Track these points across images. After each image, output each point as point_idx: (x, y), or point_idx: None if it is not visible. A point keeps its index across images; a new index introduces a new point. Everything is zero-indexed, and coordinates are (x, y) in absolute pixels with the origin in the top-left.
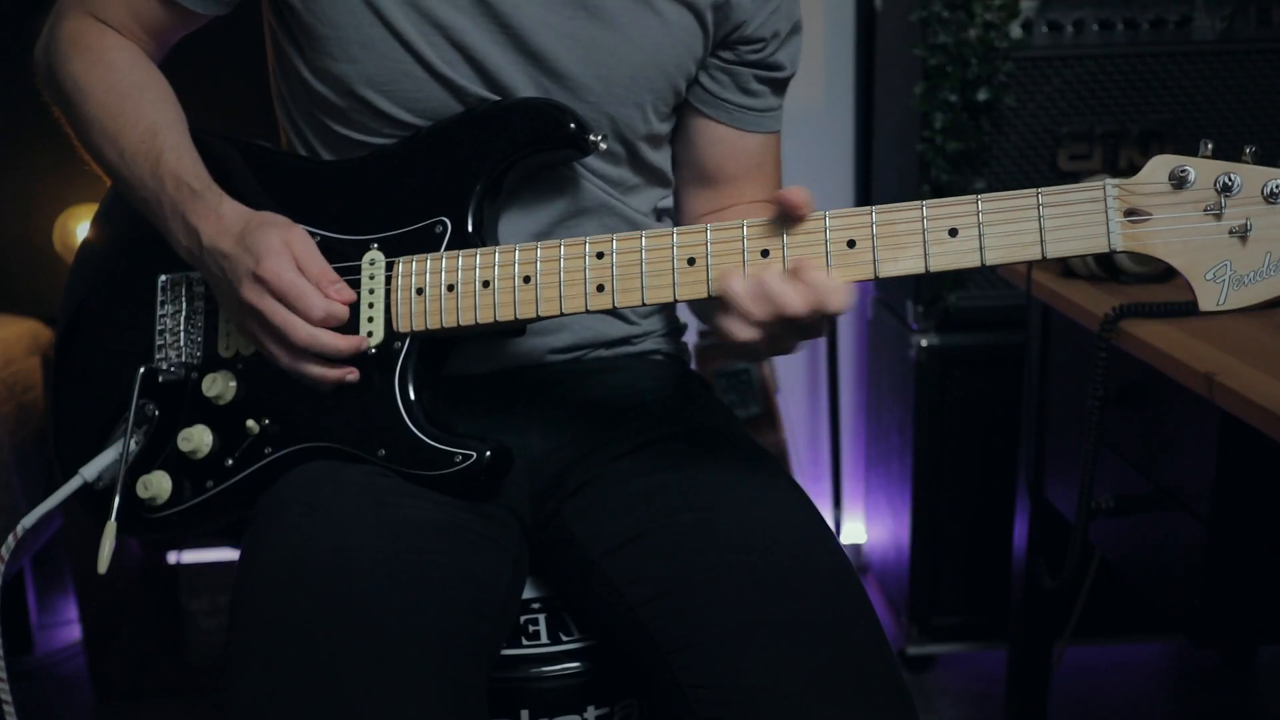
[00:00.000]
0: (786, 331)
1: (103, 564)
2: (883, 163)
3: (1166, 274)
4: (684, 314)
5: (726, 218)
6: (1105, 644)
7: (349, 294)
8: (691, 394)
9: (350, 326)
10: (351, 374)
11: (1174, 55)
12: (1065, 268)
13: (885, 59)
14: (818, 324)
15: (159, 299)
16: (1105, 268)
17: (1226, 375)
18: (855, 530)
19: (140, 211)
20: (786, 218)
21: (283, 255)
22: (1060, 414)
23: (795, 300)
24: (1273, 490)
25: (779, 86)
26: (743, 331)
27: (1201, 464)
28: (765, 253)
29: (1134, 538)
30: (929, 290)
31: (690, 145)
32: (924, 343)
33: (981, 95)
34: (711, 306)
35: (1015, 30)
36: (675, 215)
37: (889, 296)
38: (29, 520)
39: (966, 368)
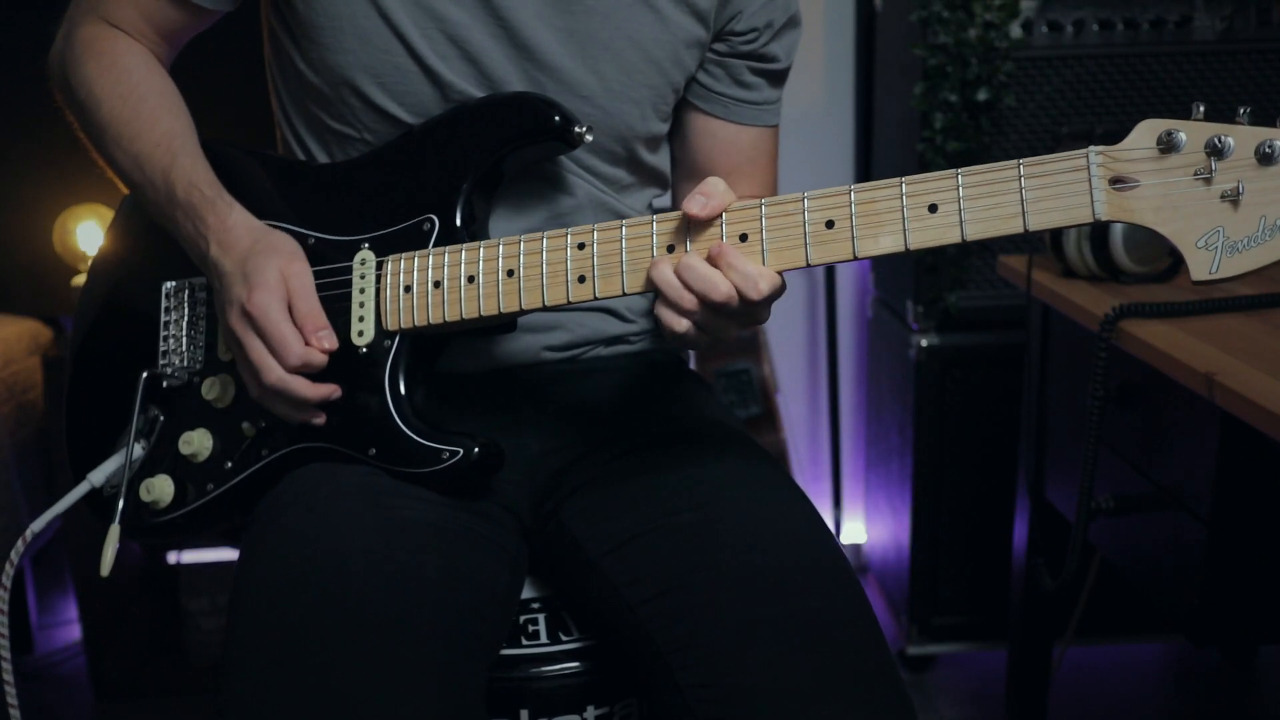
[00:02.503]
0: (719, 318)
1: (105, 568)
2: (883, 163)
3: (1166, 274)
4: None
5: None
6: (1105, 644)
7: (331, 342)
8: (690, 393)
9: (341, 326)
10: (318, 417)
11: (1174, 55)
12: (1065, 268)
13: (885, 59)
14: (750, 310)
15: (163, 305)
16: (1105, 267)
17: (1226, 375)
18: (855, 530)
19: (153, 217)
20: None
21: (276, 291)
22: (1060, 414)
23: (720, 286)
24: (1273, 490)
25: (775, 79)
26: (675, 321)
27: (1201, 464)
28: (744, 237)
29: (1134, 538)
30: (929, 290)
31: (685, 140)
32: (924, 343)
33: (981, 95)
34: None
35: (1015, 30)
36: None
37: (889, 296)
38: (37, 525)
39: (966, 368)
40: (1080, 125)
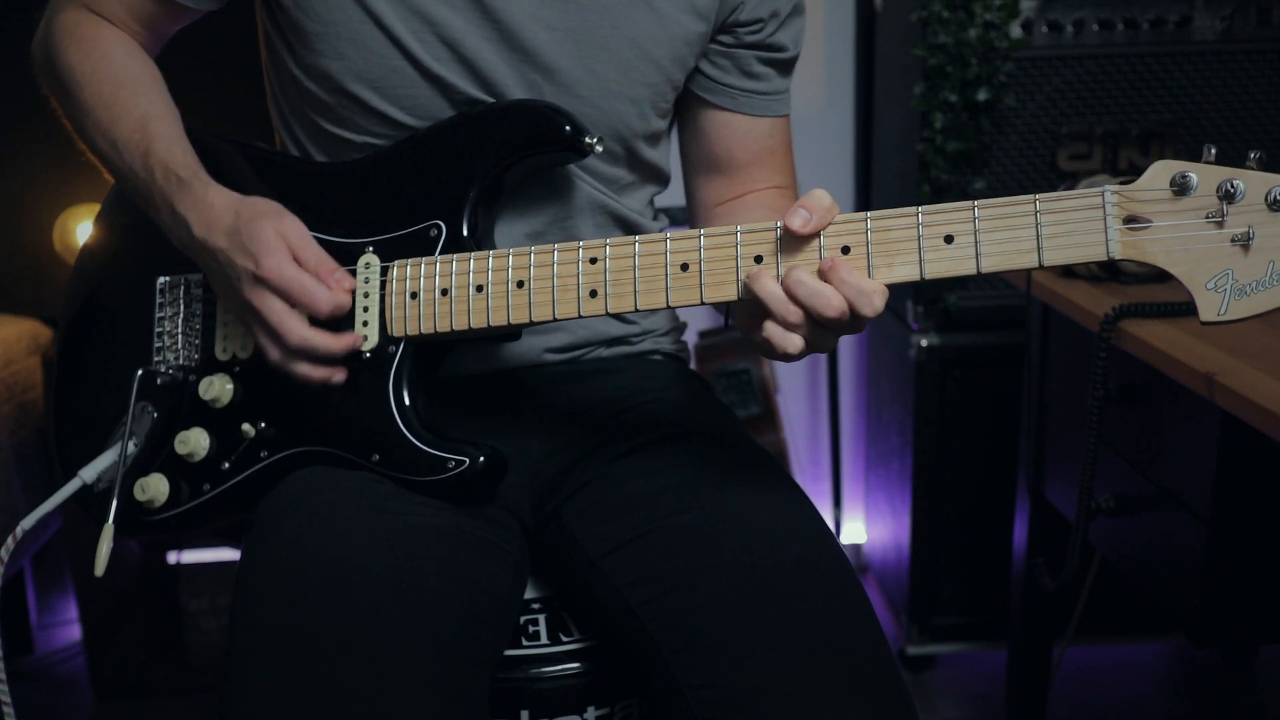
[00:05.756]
0: (825, 332)
1: (99, 566)
2: (883, 163)
3: (1166, 274)
4: (683, 313)
5: (742, 206)
6: (1105, 644)
7: (350, 282)
8: (691, 394)
9: (345, 329)
10: (339, 374)
11: (1174, 55)
12: (1065, 268)
13: (885, 59)
14: (855, 323)
15: (157, 301)
16: (1105, 267)
17: (1226, 375)
18: (855, 530)
19: (136, 203)
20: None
21: (280, 250)
22: (1060, 414)
23: (834, 301)
24: (1273, 490)
25: (783, 68)
26: (786, 341)
27: (1201, 464)
28: (759, 258)
29: (1134, 538)
30: (929, 290)
31: (698, 134)
32: (924, 343)
33: (981, 95)
34: (744, 313)
35: (1015, 30)
36: (689, 205)
37: (889, 296)
38: (28, 522)
39: (966, 368)
40: (1080, 125)
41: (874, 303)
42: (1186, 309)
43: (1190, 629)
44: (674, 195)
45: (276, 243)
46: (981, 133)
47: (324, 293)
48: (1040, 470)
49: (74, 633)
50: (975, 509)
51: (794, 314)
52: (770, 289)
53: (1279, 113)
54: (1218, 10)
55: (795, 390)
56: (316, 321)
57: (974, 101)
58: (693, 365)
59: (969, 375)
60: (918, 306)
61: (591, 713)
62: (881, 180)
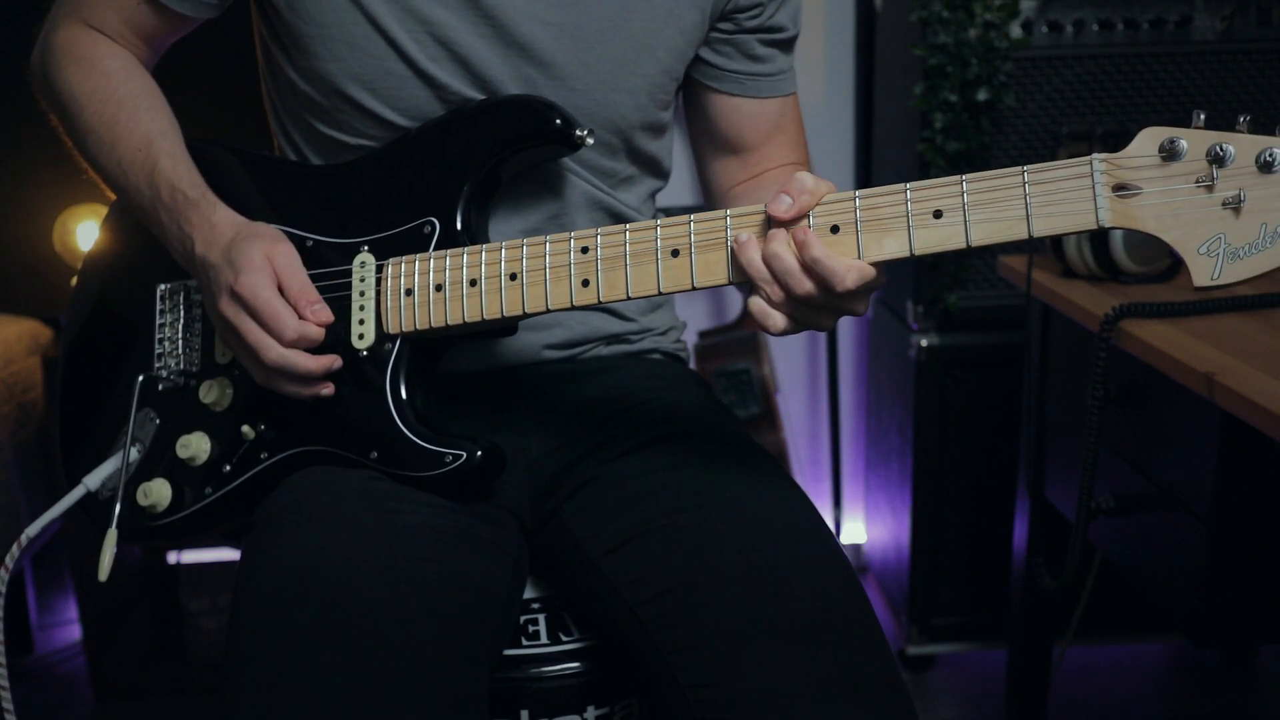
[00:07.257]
0: (809, 311)
1: (103, 572)
2: (883, 163)
3: (1166, 274)
4: (683, 313)
5: (759, 185)
6: (1105, 644)
7: (326, 315)
8: (691, 394)
9: (341, 329)
10: (326, 388)
11: (1174, 55)
12: (1065, 268)
13: (885, 59)
14: (841, 302)
15: (158, 308)
16: (1105, 268)
17: (1226, 375)
18: (855, 530)
19: (140, 220)
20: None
21: (262, 271)
22: (1060, 414)
23: (803, 281)
24: (1273, 490)
25: (785, 47)
26: (769, 317)
27: (1201, 464)
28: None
29: (1134, 538)
30: (929, 290)
31: (707, 120)
32: (924, 343)
33: (981, 95)
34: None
35: (1015, 30)
36: (704, 190)
37: (889, 296)
38: (33, 529)
39: (966, 368)
40: (1080, 125)
41: (844, 281)
42: (1187, 309)
43: (1190, 629)
44: (674, 195)
45: (261, 263)
46: (981, 133)
47: (292, 321)
48: (1040, 470)
49: (74, 633)
50: (975, 509)
51: (776, 292)
52: (752, 259)
53: (1279, 113)
54: (1218, 10)
55: (795, 390)
56: None
57: (974, 101)
58: (692, 365)
59: (969, 375)
60: (918, 306)
61: (591, 712)
62: (881, 180)
